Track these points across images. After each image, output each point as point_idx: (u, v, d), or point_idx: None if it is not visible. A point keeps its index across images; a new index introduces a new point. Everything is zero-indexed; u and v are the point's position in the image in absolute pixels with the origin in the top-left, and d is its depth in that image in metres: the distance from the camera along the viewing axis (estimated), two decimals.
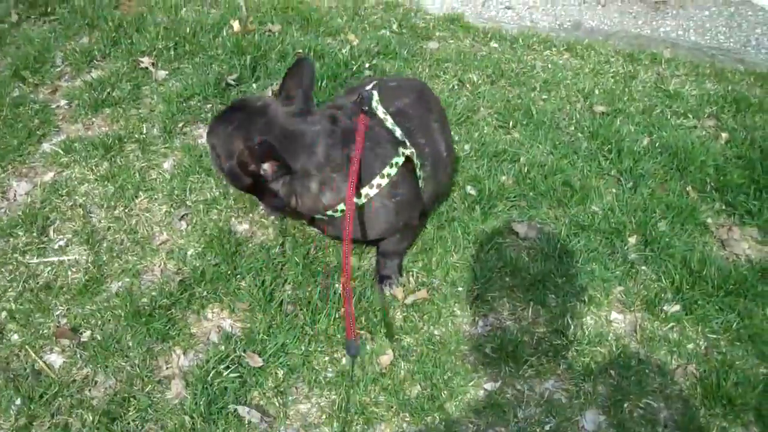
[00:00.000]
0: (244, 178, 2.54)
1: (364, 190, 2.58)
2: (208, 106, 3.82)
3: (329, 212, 2.60)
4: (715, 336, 3.02)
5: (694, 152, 3.80)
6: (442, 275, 3.13)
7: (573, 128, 3.94)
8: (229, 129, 2.55)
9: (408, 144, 2.66)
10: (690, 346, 2.99)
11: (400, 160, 2.63)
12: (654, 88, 4.43)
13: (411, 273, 3.13)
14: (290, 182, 2.54)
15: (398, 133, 2.65)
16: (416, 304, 3.01)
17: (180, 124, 3.71)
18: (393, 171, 2.62)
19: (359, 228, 2.73)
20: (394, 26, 4.63)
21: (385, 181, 2.60)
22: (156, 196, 3.36)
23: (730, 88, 4.51)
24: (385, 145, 2.64)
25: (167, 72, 3.99)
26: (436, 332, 2.94)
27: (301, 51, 4.13)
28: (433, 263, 3.19)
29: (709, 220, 3.54)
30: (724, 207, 3.63)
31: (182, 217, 3.29)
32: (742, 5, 5.95)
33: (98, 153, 3.50)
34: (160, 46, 4.12)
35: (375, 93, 2.69)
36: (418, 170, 2.73)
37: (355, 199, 2.49)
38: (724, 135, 4.04)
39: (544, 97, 4.21)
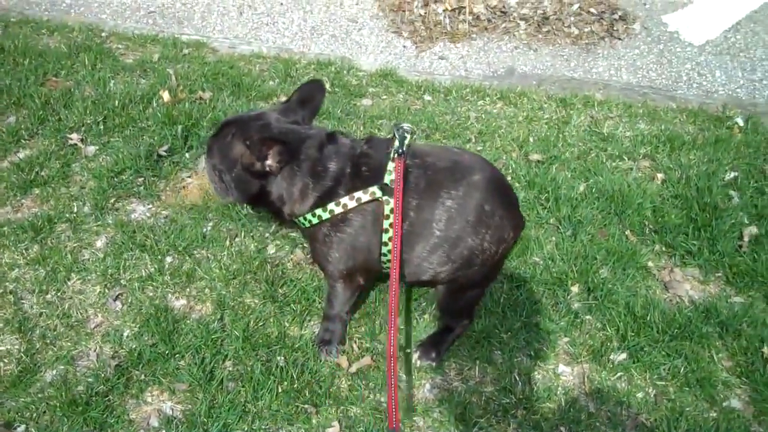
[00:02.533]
0: (252, 182, 2.67)
1: (319, 211, 2.63)
2: (140, 179, 3.76)
3: (300, 219, 2.70)
4: (663, 383, 3.02)
5: (631, 195, 3.82)
6: (386, 339, 3.07)
7: (510, 178, 3.94)
8: (227, 139, 2.65)
9: (387, 191, 2.56)
10: (639, 395, 2.98)
11: (364, 197, 2.59)
12: (588, 132, 4.47)
13: (354, 339, 3.08)
14: (281, 183, 2.66)
15: (389, 178, 2.58)
16: (361, 372, 2.96)
17: (112, 200, 3.64)
18: (351, 203, 2.60)
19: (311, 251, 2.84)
20: (327, 85, 4.61)
21: (339, 210, 2.61)
22: (89, 277, 3.27)
23: (663, 127, 4.58)
24: (362, 177, 2.63)
25: (97, 147, 3.92)
26: (382, 399, 2.88)
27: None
28: (377, 327, 3.14)
29: (650, 263, 3.55)
30: (663, 248, 3.66)
31: (117, 297, 3.20)
32: (670, 42, 6.07)
33: (28, 236, 3.41)
34: (88, 121, 4.05)
35: (409, 133, 2.67)
36: (386, 224, 2.59)
37: (308, 215, 2.66)
38: (659, 175, 4.08)
39: (479, 148, 4.21)
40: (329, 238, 2.71)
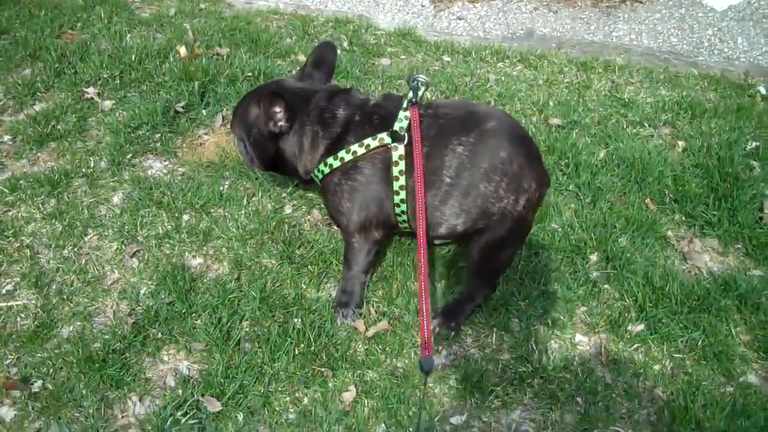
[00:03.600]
0: (268, 144, 2.85)
1: (330, 159, 2.69)
2: (157, 135, 3.72)
3: (315, 173, 2.80)
4: (680, 355, 3.00)
5: (652, 163, 3.78)
6: (403, 304, 3.07)
7: None
8: (244, 103, 2.90)
9: (399, 137, 2.59)
10: (656, 367, 2.96)
11: (373, 143, 2.62)
12: (609, 97, 4.41)
13: (371, 303, 3.06)
14: (292, 139, 2.81)
15: (399, 125, 2.61)
16: (378, 336, 2.95)
17: (128, 156, 3.61)
18: (360, 150, 2.64)
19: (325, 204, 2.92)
20: (345, 44, 4.56)
21: (348, 157, 2.65)
22: (106, 233, 3.26)
23: (684, 93, 4.51)
24: (373, 125, 2.68)
25: (113, 102, 3.88)
26: (399, 365, 2.87)
27: (250, 74, 4.04)
28: (394, 291, 3.12)
29: (670, 233, 3.52)
30: (683, 218, 3.62)
31: (134, 254, 3.19)
32: (692, 6, 5.97)
33: (44, 190, 3.39)
34: (105, 76, 4.00)
35: (422, 85, 2.73)
36: (395, 171, 2.62)
37: (320, 166, 2.75)
38: (680, 143, 4.03)
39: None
40: (340, 187, 2.73)
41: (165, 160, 3.63)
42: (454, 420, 2.71)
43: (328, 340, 2.90)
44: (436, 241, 3.03)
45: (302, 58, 4.28)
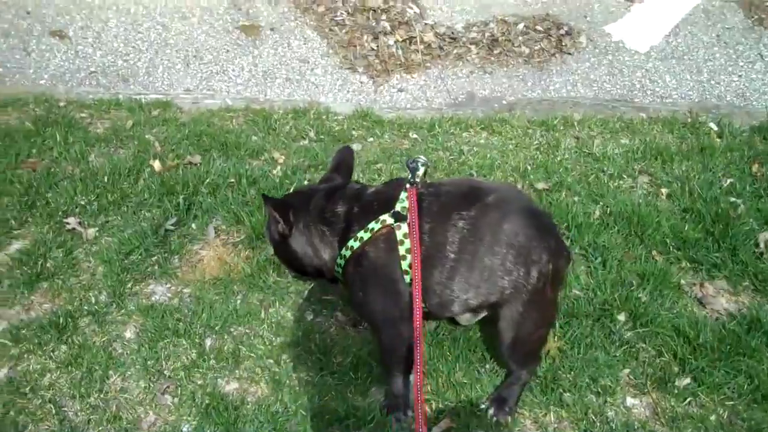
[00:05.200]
0: (282, 247, 2.95)
1: (342, 252, 2.74)
2: (152, 258, 3.57)
3: (337, 270, 2.83)
4: (732, 402, 3.04)
5: (646, 215, 3.87)
6: (454, 397, 3.00)
7: None
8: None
9: (401, 217, 2.62)
10: (712, 417, 2.99)
11: (376, 226, 2.64)
12: (579, 153, 4.51)
13: (426, 401, 2.98)
14: (299, 239, 2.88)
15: (401, 205, 2.64)
16: None
17: (128, 285, 3.44)
18: (366, 235, 2.67)
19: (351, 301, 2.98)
20: (312, 134, 4.52)
21: (357, 244, 2.69)
22: (129, 373, 3.08)
23: (647, 139, 4.66)
24: (374, 210, 2.72)
25: (96, 229, 3.70)
26: None
27: (233, 180, 3.93)
28: (440, 385, 3.05)
29: (683, 281, 3.60)
30: (689, 265, 3.70)
31: (164, 390, 3.02)
32: (617, 52, 6.21)
33: (51, 336, 3.18)
34: (82, 202, 3.82)
35: (422, 165, 2.75)
36: (401, 250, 2.62)
37: (338, 260, 2.80)
38: (663, 190, 4.15)
39: None
40: (354, 276, 2.75)
41: (166, 283, 3.48)
42: None
43: None
44: (463, 322, 2.99)
45: (276, 155, 4.21)
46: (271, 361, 3.14)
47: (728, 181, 4.22)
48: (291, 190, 3.21)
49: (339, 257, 2.78)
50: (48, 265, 3.50)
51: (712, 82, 5.99)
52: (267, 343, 3.19)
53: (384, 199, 2.74)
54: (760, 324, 3.36)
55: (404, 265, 2.62)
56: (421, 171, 2.74)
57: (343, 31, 6.07)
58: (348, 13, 6.17)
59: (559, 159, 4.42)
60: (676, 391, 3.09)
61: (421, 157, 2.80)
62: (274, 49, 6.02)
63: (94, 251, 3.59)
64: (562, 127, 4.78)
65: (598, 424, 2.95)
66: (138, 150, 4.19)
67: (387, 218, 2.64)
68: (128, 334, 3.24)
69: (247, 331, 3.26)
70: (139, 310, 3.33)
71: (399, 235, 2.61)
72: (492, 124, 4.75)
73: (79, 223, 3.72)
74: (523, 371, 2.95)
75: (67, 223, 3.70)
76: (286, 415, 2.91)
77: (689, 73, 6.05)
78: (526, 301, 2.63)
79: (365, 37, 6.01)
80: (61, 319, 3.23)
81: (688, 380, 3.12)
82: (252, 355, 3.15)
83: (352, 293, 2.84)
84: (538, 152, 4.51)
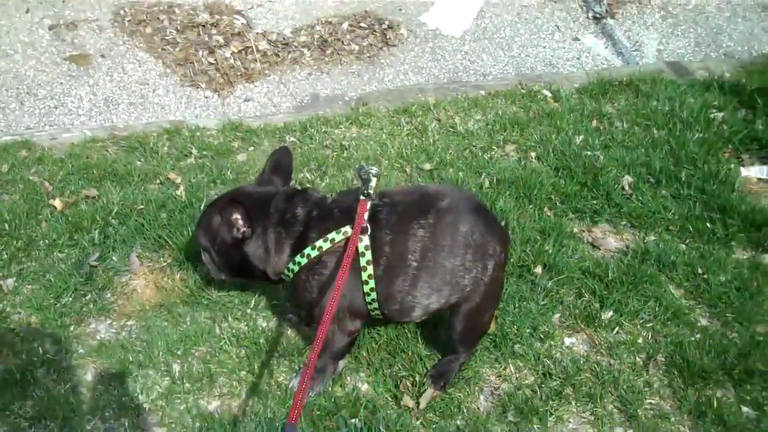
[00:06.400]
0: (233, 251, 2.92)
1: (297, 258, 2.81)
2: (85, 297, 3.50)
3: (285, 272, 2.89)
4: (651, 324, 3.53)
5: (526, 177, 4.27)
6: (424, 370, 3.24)
7: None
8: (206, 214, 3.04)
9: (363, 229, 2.70)
10: (640, 340, 3.47)
11: (338, 237, 2.74)
12: (446, 133, 4.85)
13: (405, 378, 3.20)
14: (257, 242, 2.89)
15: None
16: (432, 406, 3.12)
17: (70, 328, 3.37)
18: (326, 245, 2.76)
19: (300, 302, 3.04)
20: (194, 151, 4.54)
21: (314, 253, 2.77)
22: (107, 414, 3.04)
23: (498, 113, 5.08)
24: (334, 219, 2.80)
25: (14, 279, 3.55)
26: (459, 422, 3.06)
27: (142, 206, 3.90)
28: (410, 360, 3.29)
29: (575, 230, 4.04)
30: (575, 215, 4.16)
31: (151, 422, 3.02)
32: (435, 39, 6.65)
33: (14, 394, 3.05)
34: None
35: (374, 177, 2.84)
36: (362, 261, 2.73)
37: (289, 265, 2.85)
38: (532, 154, 4.60)
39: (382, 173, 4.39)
40: (309, 283, 2.84)
41: (107, 320, 3.43)
42: None
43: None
44: (415, 319, 3.10)
45: (172, 176, 4.21)
46: (244, 372, 3.21)
47: (580, 137, 4.74)
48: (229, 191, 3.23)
49: (293, 263, 2.83)
50: None
51: (523, 55, 6.59)
52: (234, 357, 3.26)
53: (343, 209, 2.83)
54: (649, 254, 3.87)
55: (364, 275, 2.74)
56: (373, 182, 2.83)
57: (177, 48, 6.06)
58: (177, 31, 6.16)
59: (432, 140, 4.73)
60: (603, 324, 3.51)
61: (373, 167, 2.89)
62: (109, 75, 5.90)
63: (20, 302, 3.45)
64: (421, 112, 5.09)
65: (552, 366, 3.31)
66: (27, 192, 4.02)
67: (348, 230, 2.73)
68: (89, 377, 3.18)
69: (209, 349, 3.30)
70: (91, 351, 3.27)
71: (360, 247, 2.71)
72: (359, 118, 4.97)
73: None
74: (466, 352, 3.20)
75: None
76: (280, 419, 3.01)
77: (501, 50, 6.61)
78: (482, 293, 2.87)
79: (201, 52, 6.03)
80: (17, 375, 3.11)
81: (610, 313, 3.55)
82: (223, 370, 3.21)
83: (301, 295, 2.91)
84: (410, 137, 4.79)
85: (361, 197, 2.78)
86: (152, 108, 5.65)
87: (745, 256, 3.98)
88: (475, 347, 3.25)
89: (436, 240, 2.73)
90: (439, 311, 2.93)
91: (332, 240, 2.74)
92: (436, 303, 2.83)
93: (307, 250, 2.77)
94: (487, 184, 4.29)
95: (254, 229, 2.87)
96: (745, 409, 3.17)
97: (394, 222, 2.76)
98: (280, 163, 3.17)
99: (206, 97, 5.79)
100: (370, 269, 2.73)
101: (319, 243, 2.76)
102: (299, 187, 3.10)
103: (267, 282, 3.11)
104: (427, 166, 4.45)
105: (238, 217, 2.81)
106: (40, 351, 3.26)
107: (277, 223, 2.87)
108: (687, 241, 4.04)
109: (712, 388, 3.23)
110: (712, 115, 5.03)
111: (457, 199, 2.87)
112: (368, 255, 2.72)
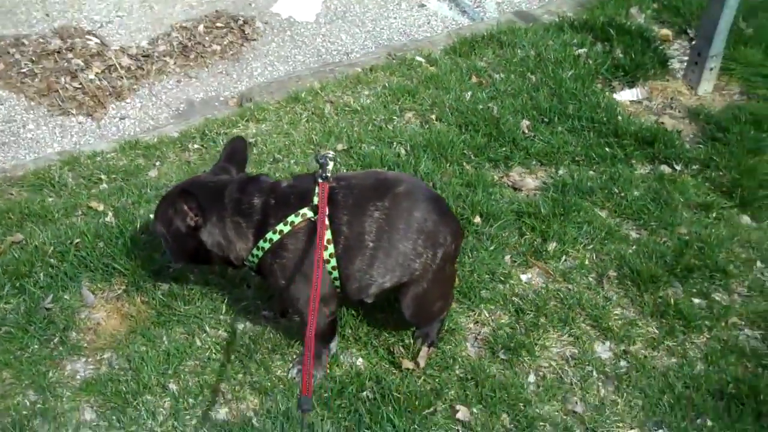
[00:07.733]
0: (188, 239, 3.02)
1: (260, 243, 2.94)
2: (51, 343, 3.40)
3: (249, 259, 3.01)
4: (592, 246, 3.85)
5: (437, 139, 4.50)
6: (409, 334, 3.40)
7: (345, 170, 4.30)
8: (161, 204, 3.11)
9: (319, 210, 2.80)
10: (587, 263, 3.78)
11: (297, 219, 2.88)
12: (343, 113, 4.94)
13: (394, 345, 3.36)
14: (213, 231, 2.98)
15: (317, 200, 2.85)
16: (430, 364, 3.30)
17: (48, 375, 3.27)
18: (286, 228, 2.89)
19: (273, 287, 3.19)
20: (103, 176, 4.44)
21: (276, 237, 2.91)
22: None
23: (385, 84, 5.26)
24: (290, 203, 2.93)
25: None
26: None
27: (78, 239, 3.80)
28: (391, 328, 3.44)
29: (495, 177, 4.31)
30: (492, 164, 4.43)
31: None
32: (291, 27, 6.72)
33: None
34: None
35: (330, 160, 2.95)
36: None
37: (253, 251, 2.96)
38: (432, 116, 4.83)
39: (301, 161, 4.47)
40: (273, 267, 2.97)
41: (81, 358, 3.35)
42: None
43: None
44: (368, 301, 3.16)
45: (93, 204, 4.10)
46: (241, 375, 3.26)
47: (468, 93, 5.01)
48: (184, 180, 3.29)
49: (256, 248, 2.93)
50: None
51: (378, 29, 6.78)
52: (225, 363, 3.29)
53: (300, 193, 2.93)
54: (567, 185, 4.21)
55: (326, 254, 2.87)
56: (330, 166, 2.92)
57: (36, 80, 5.81)
58: (32, 62, 5.90)
59: (333, 122, 4.84)
60: (550, 255, 3.81)
61: (330, 152, 3.03)
62: None
63: None
64: (311, 98, 5.18)
65: (520, 302, 3.57)
66: None
67: (307, 212, 2.86)
68: (88, 416, 3.12)
69: (196, 362, 3.31)
70: (79, 391, 3.20)
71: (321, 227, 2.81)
72: (254, 114, 5.00)
73: None
74: (429, 327, 3.36)
75: None
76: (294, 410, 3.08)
77: (357, 27, 6.77)
78: (430, 279, 3.02)
79: (63, 78, 5.82)
80: (16, 428, 3.02)
81: (554, 244, 3.85)
82: (220, 378, 3.24)
83: (270, 280, 3.07)
84: (311, 123, 4.87)
85: (320, 180, 2.88)
86: (26, 144, 5.41)
87: (646, 171, 4.38)
88: (435, 322, 3.34)
89: (391, 222, 2.87)
90: (391, 290, 3.06)
91: (291, 222, 2.86)
92: (389, 282, 2.98)
93: (269, 235, 2.89)
94: (403, 152, 4.46)
95: (207, 218, 2.96)
96: (696, 300, 3.56)
97: (352, 204, 2.90)
98: (235, 151, 3.26)
99: (80, 123, 5.60)
100: (331, 248, 2.87)
101: (279, 227, 2.88)
102: (253, 174, 3.18)
103: (229, 266, 3.26)
104: (341, 147, 4.56)
105: (189, 207, 2.91)
106: (27, 403, 3.15)
107: (233, 211, 2.96)
108: (594, 168, 4.41)
109: (664, 289, 3.59)
110: (576, 53, 5.43)
111: (414, 186, 3.05)
112: (327, 234, 2.84)
